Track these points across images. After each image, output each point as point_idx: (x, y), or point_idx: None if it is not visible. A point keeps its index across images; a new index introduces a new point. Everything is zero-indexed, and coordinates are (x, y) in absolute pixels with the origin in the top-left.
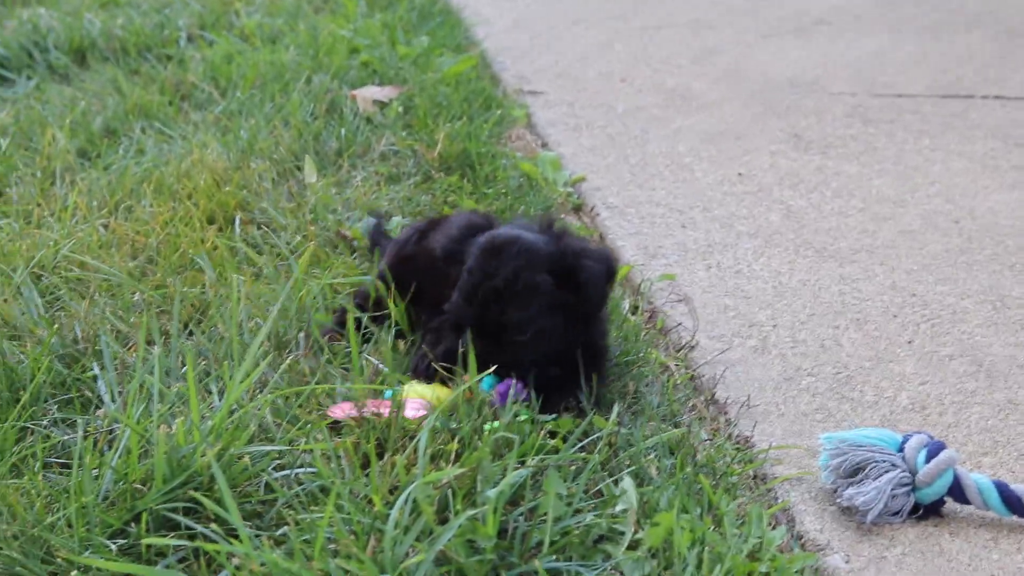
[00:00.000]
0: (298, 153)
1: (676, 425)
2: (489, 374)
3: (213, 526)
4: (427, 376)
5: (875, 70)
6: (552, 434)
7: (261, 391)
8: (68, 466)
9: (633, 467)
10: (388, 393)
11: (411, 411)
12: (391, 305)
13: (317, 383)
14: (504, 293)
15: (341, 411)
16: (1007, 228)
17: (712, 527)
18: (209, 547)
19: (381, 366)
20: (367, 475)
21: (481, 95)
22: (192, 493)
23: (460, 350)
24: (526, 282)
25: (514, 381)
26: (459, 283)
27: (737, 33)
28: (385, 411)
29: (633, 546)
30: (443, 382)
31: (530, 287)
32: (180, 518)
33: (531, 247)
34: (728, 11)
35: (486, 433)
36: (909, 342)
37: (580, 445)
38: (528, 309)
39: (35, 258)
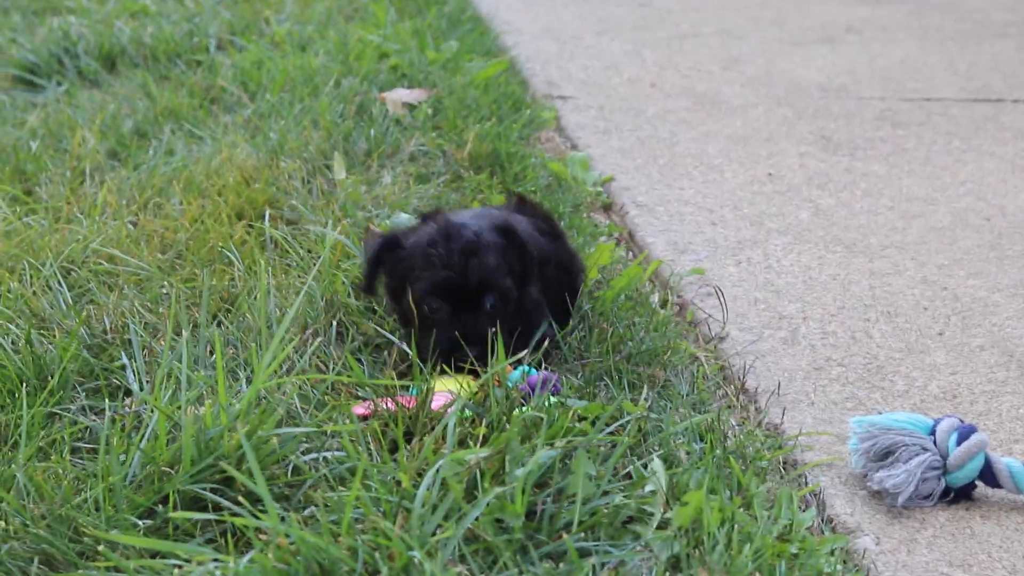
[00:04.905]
0: (327, 152)
1: (705, 412)
2: (520, 365)
3: (240, 499)
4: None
5: (904, 76)
6: (581, 418)
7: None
8: (96, 451)
9: (662, 451)
10: (413, 390)
11: (438, 404)
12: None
13: (344, 368)
14: (478, 246)
15: (365, 408)
16: None
17: (741, 508)
18: (238, 521)
19: (405, 347)
20: (395, 459)
21: (510, 98)
22: (223, 465)
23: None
24: (487, 240)
25: (547, 373)
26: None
27: (764, 42)
28: (411, 405)
29: (662, 526)
30: (473, 374)
31: (489, 245)
32: (208, 495)
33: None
34: (755, 21)
35: (514, 416)
36: (940, 334)
37: (609, 429)
38: (498, 263)
39: (64, 252)
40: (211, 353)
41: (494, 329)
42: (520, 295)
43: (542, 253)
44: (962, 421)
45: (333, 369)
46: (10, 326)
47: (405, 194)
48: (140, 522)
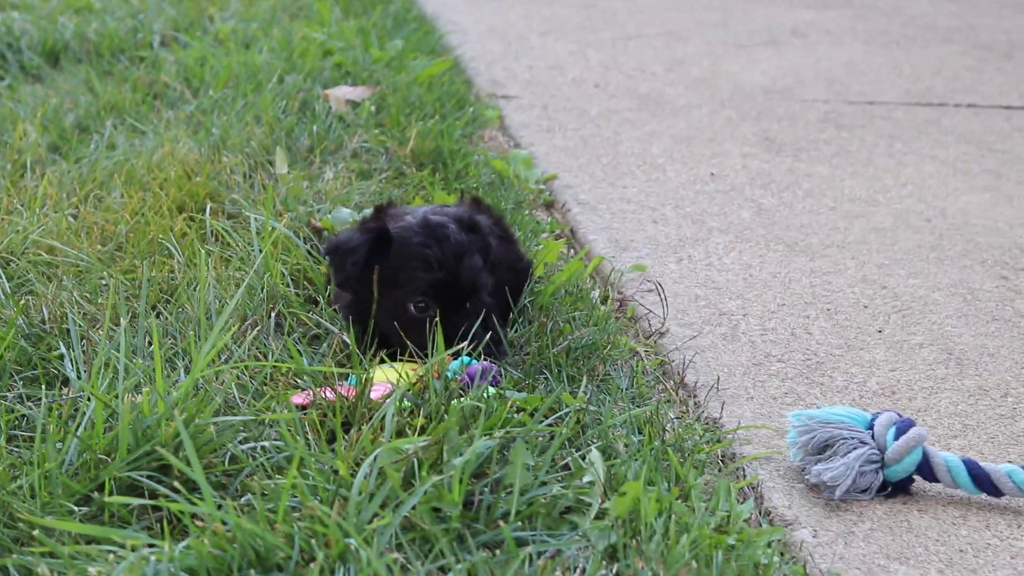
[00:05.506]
0: (269, 148)
1: (644, 406)
2: (460, 356)
3: (177, 485)
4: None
5: (848, 79)
6: (520, 410)
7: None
8: (32, 439)
9: (600, 443)
10: (352, 380)
11: (377, 394)
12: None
13: (284, 356)
14: (465, 248)
15: (304, 398)
16: (978, 227)
17: (679, 500)
18: (174, 506)
19: (344, 338)
20: (333, 448)
21: (454, 97)
22: (160, 451)
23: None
24: (470, 240)
25: (487, 363)
26: (427, 258)
27: (709, 44)
28: (350, 395)
29: (600, 516)
30: (412, 364)
31: (473, 246)
32: (145, 481)
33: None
34: (700, 24)
35: (453, 406)
36: (879, 331)
37: (548, 421)
38: (481, 263)
39: (3, 243)
40: (149, 343)
41: (485, 328)
42: None
43: (495, 255)
44: (900, 415)
45: (272, 359)
46: None
47: (347, 190)
48: (76, 508)
